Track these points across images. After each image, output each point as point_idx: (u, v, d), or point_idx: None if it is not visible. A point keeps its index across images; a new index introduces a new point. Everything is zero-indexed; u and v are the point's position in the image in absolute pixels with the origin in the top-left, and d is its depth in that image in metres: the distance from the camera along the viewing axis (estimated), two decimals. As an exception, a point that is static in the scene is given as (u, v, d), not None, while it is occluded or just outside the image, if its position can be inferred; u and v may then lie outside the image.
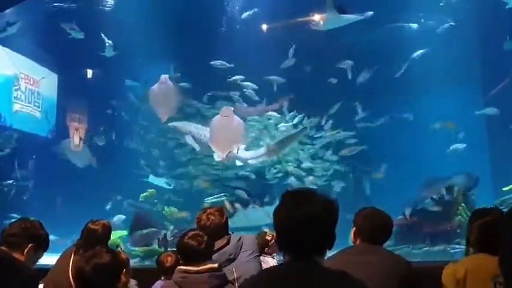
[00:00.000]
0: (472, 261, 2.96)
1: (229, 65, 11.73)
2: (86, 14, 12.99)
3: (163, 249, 10.51)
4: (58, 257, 4.40)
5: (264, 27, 13.19)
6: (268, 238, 5.39)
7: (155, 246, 11.22)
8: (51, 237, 3.28)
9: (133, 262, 7.15)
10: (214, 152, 11.80)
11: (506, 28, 11.71)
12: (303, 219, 1.97)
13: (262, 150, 12.08)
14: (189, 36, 12.41)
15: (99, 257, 2.78)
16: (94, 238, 4.18)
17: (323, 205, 2.01)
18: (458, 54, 11.55)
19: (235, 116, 10.79)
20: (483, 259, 2.86)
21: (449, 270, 2.99)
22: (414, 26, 12.75)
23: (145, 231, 12.06)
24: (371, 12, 11.15)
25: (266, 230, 5.89)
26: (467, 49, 11.88)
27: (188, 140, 12.17)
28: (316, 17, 12.03)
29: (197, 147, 12.18)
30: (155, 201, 13.12)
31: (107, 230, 4.38)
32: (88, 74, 14.30)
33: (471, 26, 11.87)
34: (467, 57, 11.85)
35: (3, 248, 3.02)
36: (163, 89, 10.56)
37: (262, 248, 5.24)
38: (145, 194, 13.03)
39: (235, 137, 10.84)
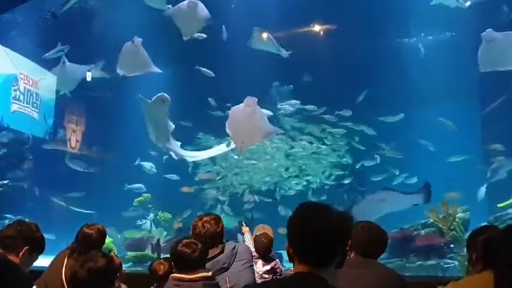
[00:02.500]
0: (474, 281, 2.65)
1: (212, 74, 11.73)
2: (86, 15, 13.01)
3: (155, 254, 10.48)
4: (51, 259, 4.38)
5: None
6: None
7: (148, 251, 11.18)
8: (46, 238, 3.25)
9: (125, 267, 7.13)
10: None
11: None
12: (316, 231, 1.94)
13: (223, 146, 11.98)
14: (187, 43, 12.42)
15: (94, 261, 2.78)
16: (89, 242, 4.17)
17: (338, 219, 1.99)
18: (456, 70, 11.60)
19: (259, 108, 10.58)
20: (486, 279, 2.41)
21: None
22: (413, 40, 12.80)
23: (138, 236, 12.04)
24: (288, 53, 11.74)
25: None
26: (465, 65, 11.91)
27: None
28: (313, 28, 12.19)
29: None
30: (150, 205, 13.07)
31: (102, 234, 4.37)
32: (87, 76, 14.25)
33: (470, 41, 11.91)
34: (465, 73, 11.88)
35: (-2, 250, 3.01)
36: (192, 7, 10.58)
37: (268, 248, 5.15)
38: (139, 198, 12.96)
39: (255, 130, 10.60)
